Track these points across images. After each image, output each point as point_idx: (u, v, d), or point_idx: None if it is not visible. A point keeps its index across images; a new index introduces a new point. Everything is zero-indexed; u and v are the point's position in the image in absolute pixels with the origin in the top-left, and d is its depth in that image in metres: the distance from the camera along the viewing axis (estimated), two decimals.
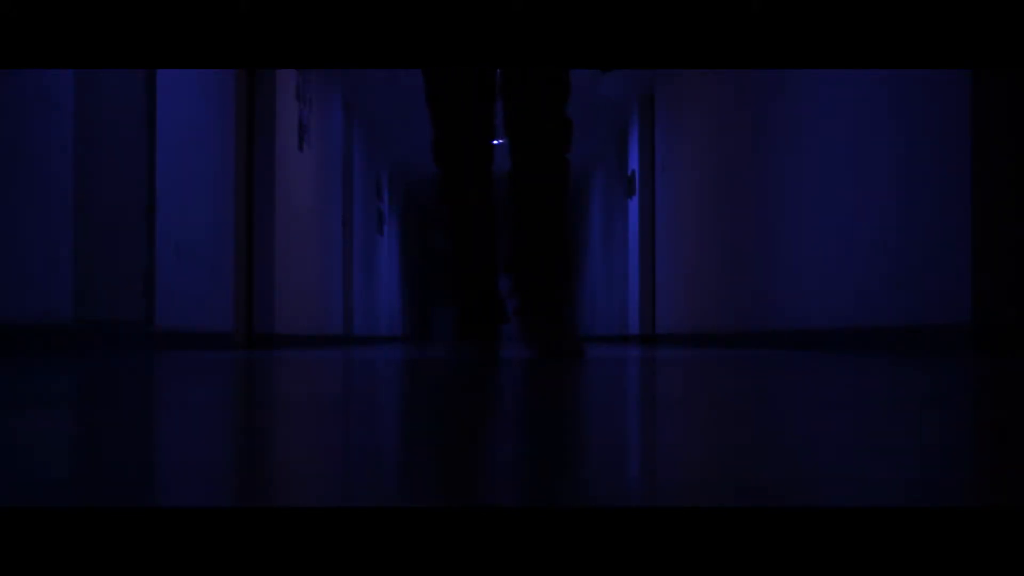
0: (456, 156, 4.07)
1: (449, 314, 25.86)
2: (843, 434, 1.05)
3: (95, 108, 5.35)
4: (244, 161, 8.64)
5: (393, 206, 18.66)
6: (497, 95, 4.16)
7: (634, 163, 13.02)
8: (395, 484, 0.72)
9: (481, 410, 1.37)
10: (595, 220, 18.43)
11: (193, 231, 6.92)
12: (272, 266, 8.74)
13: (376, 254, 15.99)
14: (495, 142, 5.84)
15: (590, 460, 0.85)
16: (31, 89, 4.43)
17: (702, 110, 9.60)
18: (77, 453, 0.90)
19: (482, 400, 1.57)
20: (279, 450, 0.92)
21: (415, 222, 23.93)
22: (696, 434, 1.05)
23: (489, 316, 4.27)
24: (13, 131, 4.27)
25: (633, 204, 13.10)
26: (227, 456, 0.88)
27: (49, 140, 4.61)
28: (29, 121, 4.41)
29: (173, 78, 6.49)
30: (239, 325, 8.52)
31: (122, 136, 5.75)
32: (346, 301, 13.06)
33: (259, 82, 8.80)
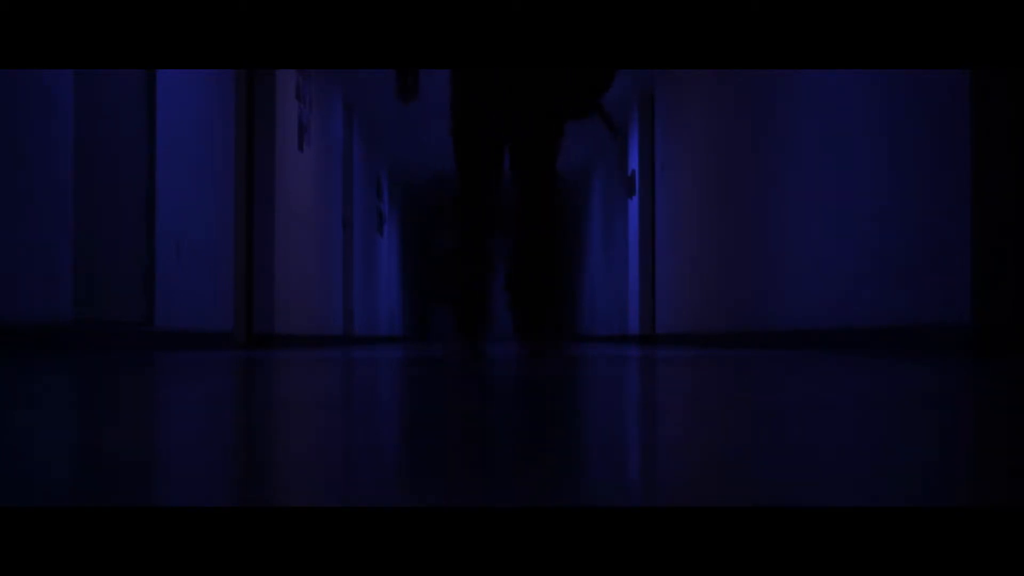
0: (475, 203, 5.26)
1: (449, 314, 25.87)
2: (843, 434, 1.05)
3: (95, 108, 5.35)
4: (244, 161, 8.64)
5: (393, 206, 18.66)
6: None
7: (634, 163, 13.02)
8: (395, 484, 0.72)
9: (482, 411, 1.37)
10: (595, 220, 18.43)
11: (193, 231, 6.92)
12: (272, 266, 8.74)
13: (376, 254, 15.99)
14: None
15: (590, 460, 0.85)
16: (31, 89, 4.43)
17: (702, 110, 9.60)
18: (77, 453, 0.90)
19: (483, 400, 1.57)
20: (279, 450, 0.92)
21: (415, 222, 23.93)
22: (696, 434, 1.05)
23: (484, 317, 5.35)
24: (13, 131, 4.27)
25: (633, 204, 13.10)
26: (227, 456, 0.88)
27: (49, 140, 4.60)
28: (29, 121, 4.41)
29: (173, 78, 6.49)
30: (239, 325, 8.52)
31: (122, 136, 5.75)
32: (346, 301, 13.06)
33: (259, 82, 8.80)
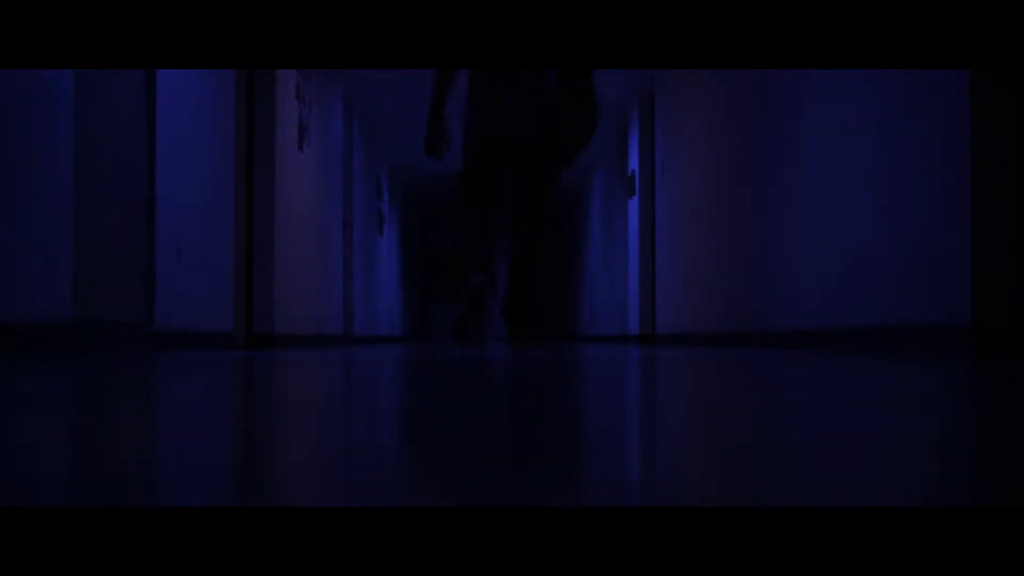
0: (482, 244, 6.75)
1: (449, 315, 25.92)
2: (843, 434, 1.05)
3: (95, 108, 5.35)
4: (244, 161, 8.64)
5: (393, 206, 18.65)
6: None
7: (634, 163, 13.02)
8: (395, 484, 0.72)
9: (482, 411, 1.37)
10: (595, 220, 18.43)
11: (193, 231, 6.92)
12: (272, 266, 8.74)
13: (376, 254, 15.99)
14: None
15: (590, 460, 0.85)
16: (31, 89, 4.43)
17: (702, 110, 9.60)
18: (77, 453, 0.90)
19: (483, 401, 1.57)
20: (279, 450, 0.92)
21: (415, 222, 23.92)
22: (696, 434, 1.05)
23: (482, 321, 6.96)
24: (13, 131, 4.27)
25: (633, 204, 13.10)
26: (227, 456, 0.88)
27: (49, 140, 4.60)
28: (29, 121, 4.41)
29: (173, 78, 6.49)
30: (239, 325, 8.52)
31: (122, 136, 5.75)
32: (346, 301, 13.06)
33: (259, 82, 8.79)
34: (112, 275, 5.60)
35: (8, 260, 4.23)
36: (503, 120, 5.79)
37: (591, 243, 19.36)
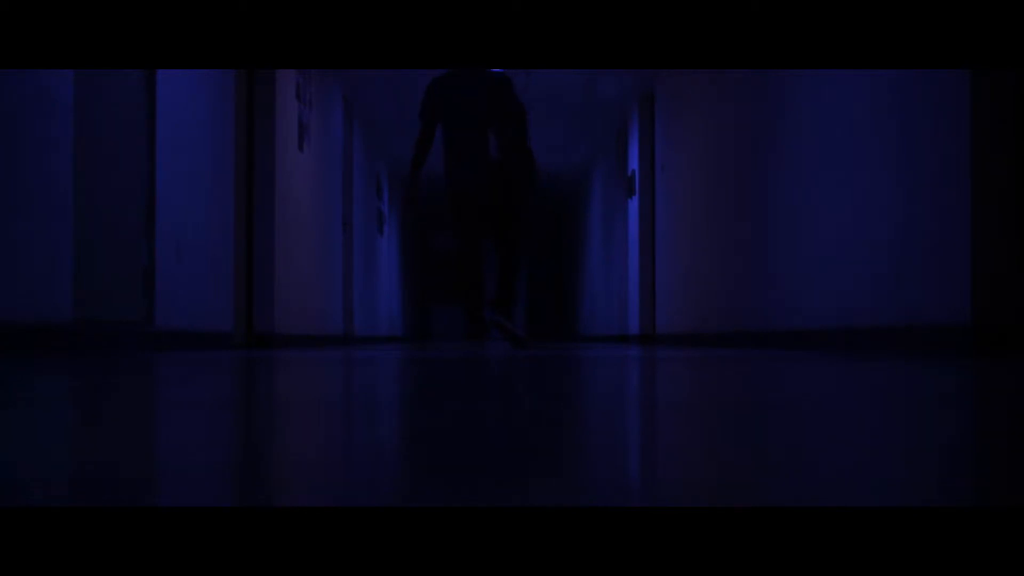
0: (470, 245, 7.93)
1: (448, 314, 25.95)
2: (843, 434, 1.05)
3: (95, 108, 5.35)
4: (244, 161, 8.64)
5: (393, 206, 18.65)
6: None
7: (634, 163, 13.02)
8: (395, 484, 0.72)
9: (484, 411, 1.37)
10: (595, 220, 18.42)
11: (193, 231, 6.92)
12: (272, 266, 8.74)
13: (376, 254, 15.99)
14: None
15: (590, 460, 0.85)
16: (31, 89, 4.43)
17: (702, 110, 9.60)
18: (76, 453, 0.90)
19: (484, 400, 1.57)
20: (279, 450, 0.92)
21: (415, 222, 23.91)
22: (696, 434, 1.05)
23: (481, 322, 7.82)
24: (13, 131, 4.27)
25: (633, 204, 13.09)
26: (227, 456, 0.88)
27: (49, 140, 4.60)
28: (29, 121, 4.41)
29: (173, 78, 6.49)
30: (239, 325, 8.52)
31: (122, 136, 5.75)
32: (346, 301, 13.06)
33: (259, 82, 8.79)
34: (112, 275, 5.60)
35: (8, 260, 4.23)
36: (464, 186, 7.83)
37: (591, 243, 19.36)
